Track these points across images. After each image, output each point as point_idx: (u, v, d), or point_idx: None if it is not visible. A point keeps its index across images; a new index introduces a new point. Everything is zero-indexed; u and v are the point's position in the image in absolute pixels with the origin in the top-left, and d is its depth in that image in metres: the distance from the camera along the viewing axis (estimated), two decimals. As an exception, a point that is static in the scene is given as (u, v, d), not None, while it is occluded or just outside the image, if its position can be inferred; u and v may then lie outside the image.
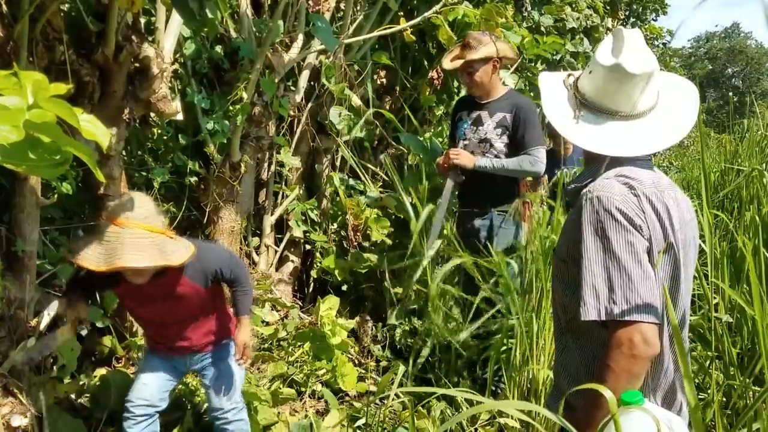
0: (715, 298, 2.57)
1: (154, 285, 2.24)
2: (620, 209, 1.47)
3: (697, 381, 2.73)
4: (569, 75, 1.72)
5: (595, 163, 1.68)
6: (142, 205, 2.07)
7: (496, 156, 3.55)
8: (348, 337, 3.84)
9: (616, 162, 1.62)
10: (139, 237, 2.00)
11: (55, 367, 2.74)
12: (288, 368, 3.49)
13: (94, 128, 0.79)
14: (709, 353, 2.67)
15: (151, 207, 2.12)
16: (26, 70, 0.74)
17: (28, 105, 0.72)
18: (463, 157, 3.52)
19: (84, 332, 3.08)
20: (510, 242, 3.55)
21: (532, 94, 7.22)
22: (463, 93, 5.06)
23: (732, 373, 2.48)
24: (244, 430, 2.60)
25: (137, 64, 2.78)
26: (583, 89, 1.65)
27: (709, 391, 2.49)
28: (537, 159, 3.45)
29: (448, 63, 3.69)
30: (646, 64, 1.57)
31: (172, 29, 2.99)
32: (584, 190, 1.57)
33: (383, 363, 3.97)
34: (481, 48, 3.55)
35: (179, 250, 2.10)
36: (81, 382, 2.92)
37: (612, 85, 1.58)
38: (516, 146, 3.53)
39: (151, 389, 2.48)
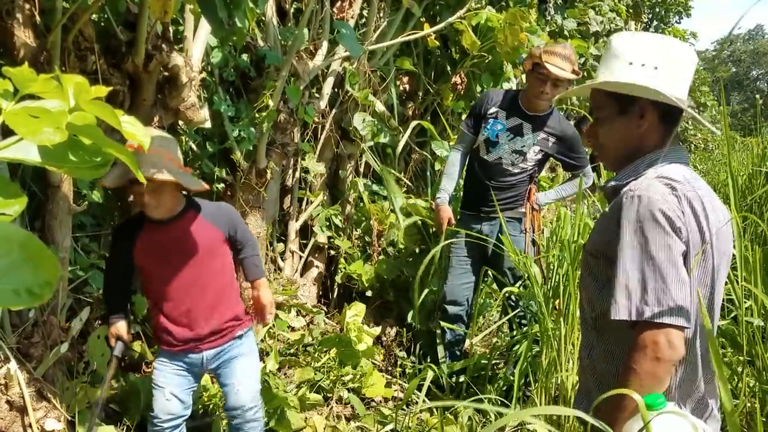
0: (746, 301, 2.53)
1: (173, 229, 2.30)
2: (662, 210, 1.45)
3: (729, 386, 2.68)
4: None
5: (635, 161, 1.65)
6: (160, 135, 2.22)
7: (523, 170, 3.56)
8: (374, 343, 3.84)
9: (657, 160, 1.59)
10: (157, 158, 2.11)
11: (86, 373, 2.78)
12: (315, 374, 3.50)
13: (134, 129, 0.80)
14: (740, 358, 2.63)
15: (169, 138, 2.26)
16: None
17: (69, 107, 0.73)
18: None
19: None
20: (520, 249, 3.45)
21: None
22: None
23: (765, 378, 2.44)
24: (259, 430, 2.56)
25: (166, 73, 2.82)
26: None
27: (741, 397, 2.45)
28: (589, 174, 3.76)
29: (558, 70, 3.32)
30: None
31: (200, 38, 3.03)
32: (625, 189, 1.55)
33: (408, 369, 3.97)
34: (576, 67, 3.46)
35: (193, 180, 2.22)
36: (112, 388, 2.95)
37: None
38: (564, 165, 3.83)
39: (175, 402, 2.43)
